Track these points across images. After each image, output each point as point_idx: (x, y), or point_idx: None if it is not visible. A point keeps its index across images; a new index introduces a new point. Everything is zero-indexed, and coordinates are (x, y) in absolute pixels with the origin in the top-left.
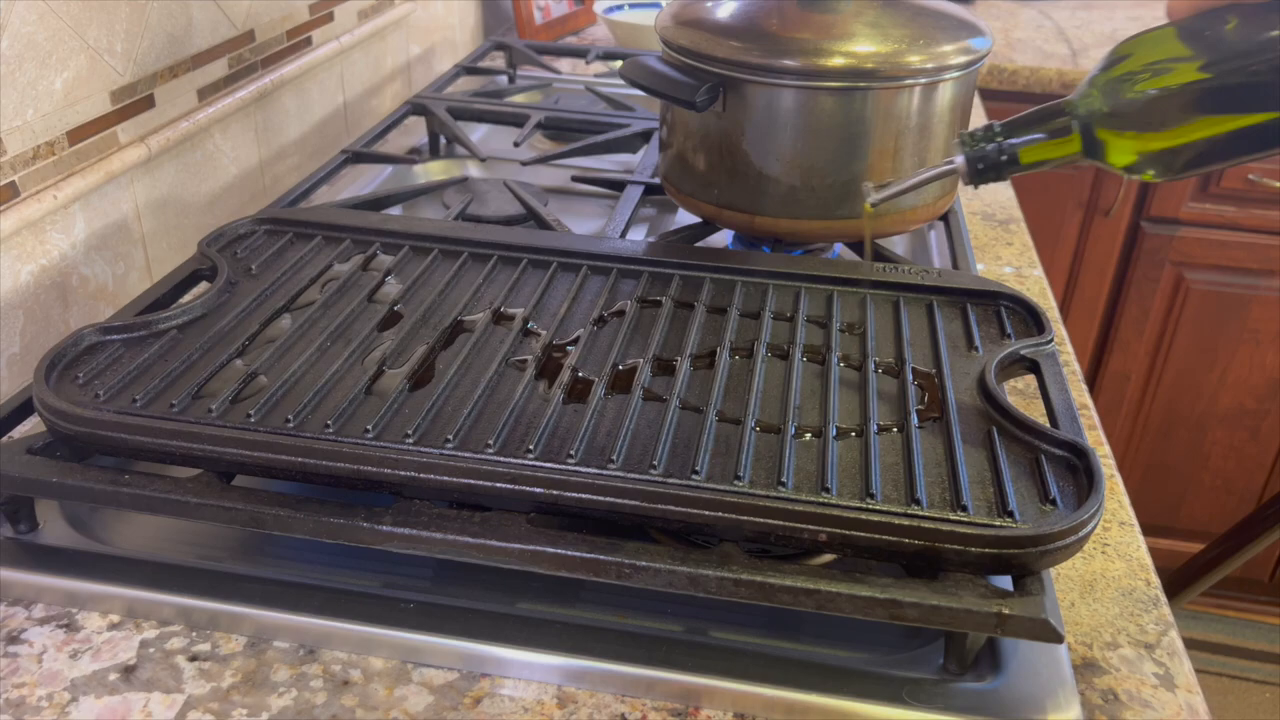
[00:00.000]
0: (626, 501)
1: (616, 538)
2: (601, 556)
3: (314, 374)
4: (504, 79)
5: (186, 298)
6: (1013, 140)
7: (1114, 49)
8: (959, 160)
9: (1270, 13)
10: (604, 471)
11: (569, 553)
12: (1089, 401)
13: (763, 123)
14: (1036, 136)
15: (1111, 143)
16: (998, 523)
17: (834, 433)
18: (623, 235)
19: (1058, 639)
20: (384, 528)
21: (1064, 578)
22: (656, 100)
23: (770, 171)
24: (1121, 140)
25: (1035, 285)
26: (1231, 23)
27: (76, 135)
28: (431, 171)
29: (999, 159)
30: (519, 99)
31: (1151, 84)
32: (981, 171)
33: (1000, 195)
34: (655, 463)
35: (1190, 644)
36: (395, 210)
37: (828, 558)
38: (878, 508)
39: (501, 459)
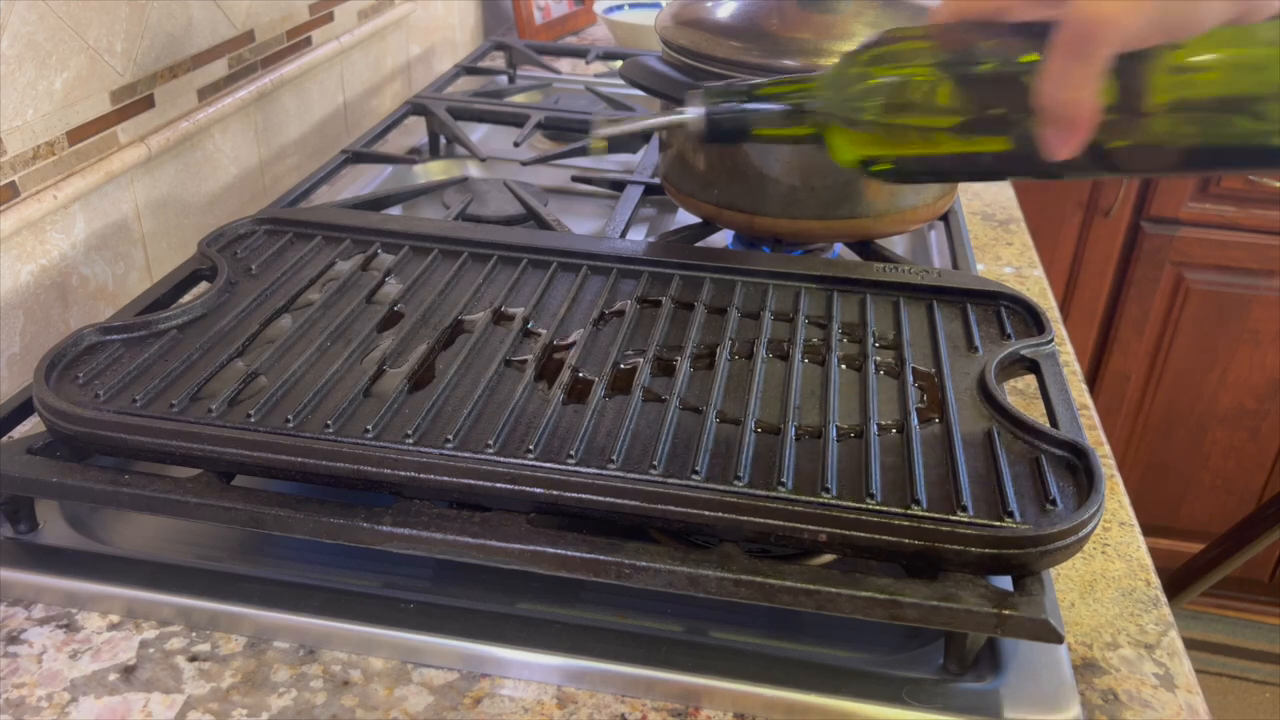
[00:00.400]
0: (626, 501)
1: (616, 538)
2: (601, 556)
3: (314, 374)
4: (504, 79)
5: (186, 298)
6: (752, 107)
7: (878, 36)
8: (695, 113)
9: (1024, 39)
10: (604, 471)
11: (569, 553)
12: (1089, 401)
13: None
14: (775, 110)
15: (838, 138)
16: (998, 523)
17: (834, 433)
18: (623, 235)
19: (1058, 639)
20: (384, 528)
21: (1064, 578)
22: (656, 100)
23: (770, 171)
24: (847, 139)
25: (1035, 285)
26: (989, 43)
27: (76, 135)
28: (431, 171)
29: (736, 123)
30: (519, 99)
31: (887, 88)
32: (715, 129)
33: (1000, 195)
34: (655, 463)
35: (1190, 644)
36: (395, 210)
37: (827, 558)
38: (877, 508)
39: (501, 459)
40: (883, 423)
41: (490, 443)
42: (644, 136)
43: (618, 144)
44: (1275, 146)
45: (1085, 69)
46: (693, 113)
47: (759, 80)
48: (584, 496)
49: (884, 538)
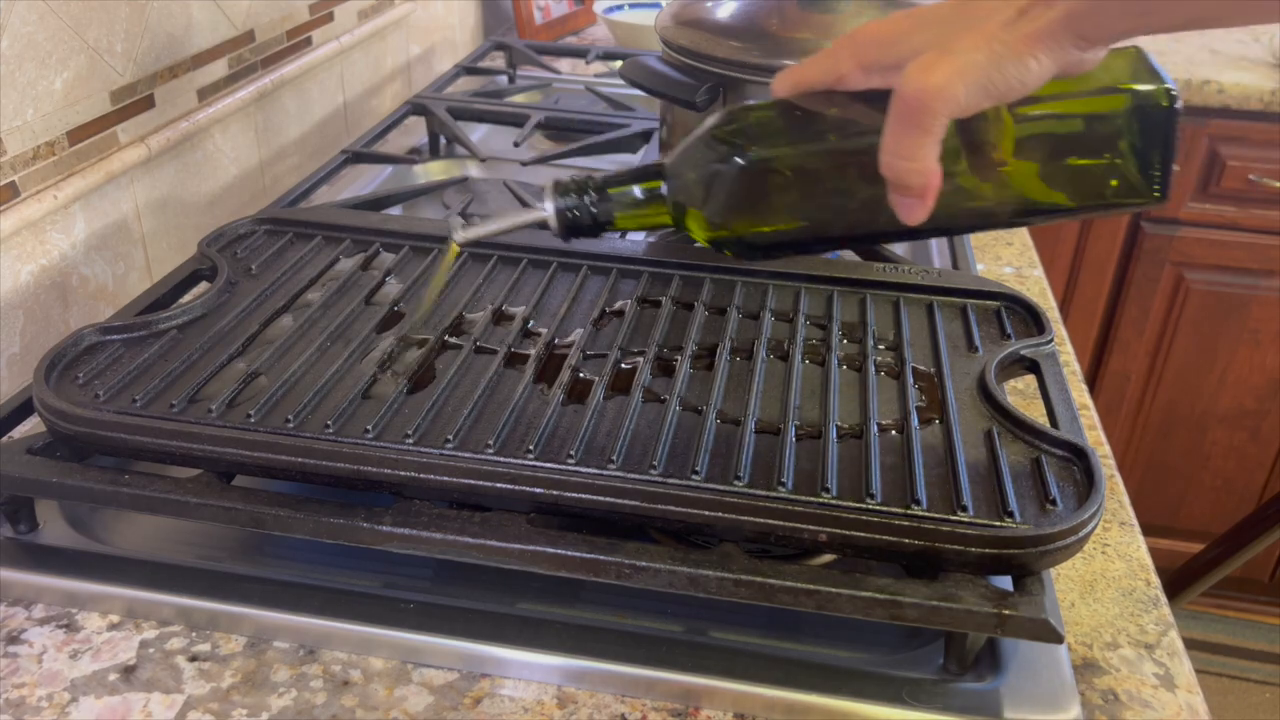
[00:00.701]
0: (626, 502)
1: (616, 538)
2: (601, 556)
3: (314, 374)
4: (504, 79)
5: (186, 298)
6: (607, 201)
7: (722, 116)
8: (549, 209)
9: (866, 108)
10: (604, 472)
11: (569, 553)
12: (1089, 401)
13: None
14: (628, 202)
15: (692, 221)
16: (998, 523)
17: (834, 433)
18: (623, 235)
19: (1058, 639)
20: (384, 528)
21: (1064, 578)
22: (656, 100)
23: None
24: (700, 221)
25: (1035, 285)
26: (833, 114)
27: (76, 135)
28: (431, 171)
29: (592, 218)
30: (519, 99)
31: (735, 169)
32: (573, 227)
33: None
34: (655, 463)
35: (1190, 644)
36: (395, 210)
37: (828, 558)
38: (877, 508)
39: (501, 459)
40: (883, 423)
41: (490, 443)
42: (643, 137)
43: (623, 147)
44: (1119, 189)
45: (922, 139)
46: (549, 210)
47: (610, 173)
48: (584, 496)
49: (884, 538)
